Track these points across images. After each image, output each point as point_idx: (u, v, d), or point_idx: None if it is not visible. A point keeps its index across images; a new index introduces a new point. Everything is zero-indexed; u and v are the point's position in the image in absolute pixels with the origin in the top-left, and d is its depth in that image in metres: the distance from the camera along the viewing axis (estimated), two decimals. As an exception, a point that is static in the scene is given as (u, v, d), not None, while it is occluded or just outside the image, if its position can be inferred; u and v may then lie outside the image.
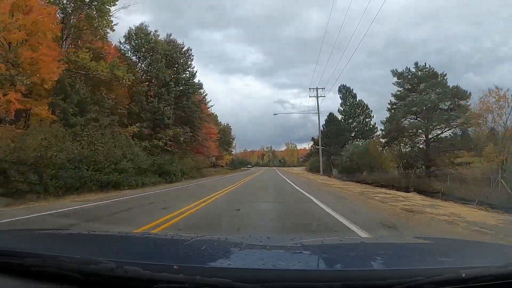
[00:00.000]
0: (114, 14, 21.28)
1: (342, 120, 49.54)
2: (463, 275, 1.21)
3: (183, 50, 32.86)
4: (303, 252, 1.70)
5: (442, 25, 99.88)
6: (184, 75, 32.86)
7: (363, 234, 5.77)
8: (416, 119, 27.31)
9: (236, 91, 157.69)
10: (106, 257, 1.29)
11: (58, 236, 2.25)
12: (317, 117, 43.07)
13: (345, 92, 49.59)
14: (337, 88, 50.13)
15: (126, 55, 29.32)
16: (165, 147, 28.03)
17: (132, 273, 1.18)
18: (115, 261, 1.23)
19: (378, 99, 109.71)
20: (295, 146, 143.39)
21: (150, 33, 30.24)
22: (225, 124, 75.28)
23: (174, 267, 1.25)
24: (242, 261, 1.57)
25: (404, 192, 16.90)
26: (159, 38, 30.92)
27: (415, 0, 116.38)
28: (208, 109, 47.54)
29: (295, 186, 19.90)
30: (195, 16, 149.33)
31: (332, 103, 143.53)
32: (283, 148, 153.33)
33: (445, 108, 26.28)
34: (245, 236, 2.37)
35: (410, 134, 27.81)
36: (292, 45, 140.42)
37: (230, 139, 76.63)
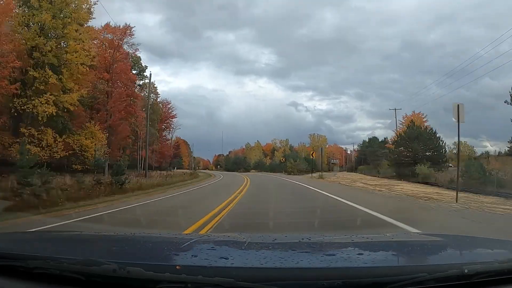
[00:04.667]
0: None
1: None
2: (466, 271, 1.22)
3: None
4: (307, 250, 1.68)
5: (458, 28, 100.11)
6: None
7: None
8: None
9: (249, 93, 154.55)
10: (108, 258, 1.29)
11: (60, 237, 2.25)
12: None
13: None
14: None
15: None
16: None
17: (134, 273, 1.18)
18: (117, 262, 1.23)
19: (393, 104, 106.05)
20: (325, 139, 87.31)
21: None
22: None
23: (176, 267, 1.28)
24: (245, 259, 1.55)
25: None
26: None
27: (430, 2, 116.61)
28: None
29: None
30: (207, 16, 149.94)
31: (345, 107, 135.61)
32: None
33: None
34: (248, 235, 2.22)
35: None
36: (305, 46, 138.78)
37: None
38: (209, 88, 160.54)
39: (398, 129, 43.32)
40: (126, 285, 1.20)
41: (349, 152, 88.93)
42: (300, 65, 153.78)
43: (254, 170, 79.03)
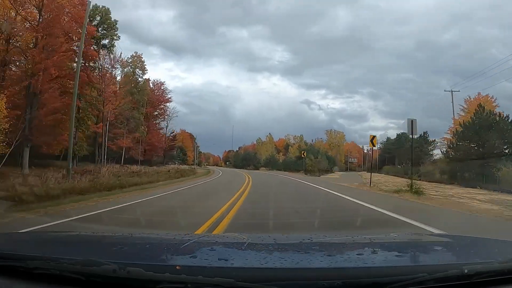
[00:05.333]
0: None
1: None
2: (466, 271, 1.22)
3: None
4: (307, 250, 1.69)
5: (472, 28, 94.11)
6: None
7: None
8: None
9: (263, 90, 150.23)
10: (108, 258, 1.28)
11: (59, 238, 2.22)
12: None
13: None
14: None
15: None
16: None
17: (134, 274, 1.18)
18: (117, 262, 1.22)
19: (406, 103, 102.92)
20: (343, 136, 77.50)
21: None
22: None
23: (177, 267, 1.27)
24: (245, 260, 1.55)
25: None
26: None
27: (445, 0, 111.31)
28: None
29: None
30: (220, 12, 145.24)
31: (359, 106, 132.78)
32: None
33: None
34: (248, 235, 2.28)
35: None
36: (318, 44, 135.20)
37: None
38: (223, 85, 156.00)
39: (456, 117, 32.21)
40: (126, 285, 1.20)
41: (365, 151, 78.93)
42: (314, 63, 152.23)
43: (264, 168, 68.28)
